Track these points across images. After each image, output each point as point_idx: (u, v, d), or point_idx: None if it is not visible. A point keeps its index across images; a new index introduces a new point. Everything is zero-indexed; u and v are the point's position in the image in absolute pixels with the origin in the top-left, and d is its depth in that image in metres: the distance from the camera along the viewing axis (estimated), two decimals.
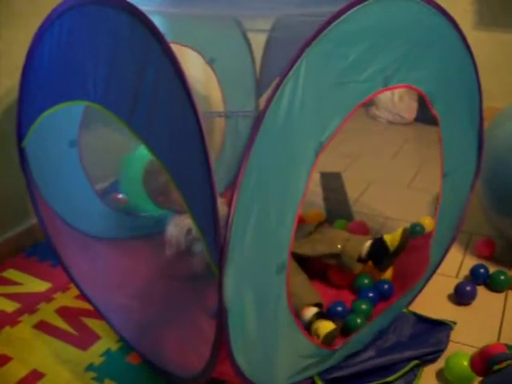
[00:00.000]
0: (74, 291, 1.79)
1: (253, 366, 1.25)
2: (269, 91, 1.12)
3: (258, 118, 1.09)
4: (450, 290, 1.81)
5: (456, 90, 1.54)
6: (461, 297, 1.77)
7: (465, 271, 1.91)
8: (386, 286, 1.71)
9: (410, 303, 1.74)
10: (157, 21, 1.92)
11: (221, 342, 1.17)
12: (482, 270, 1.85)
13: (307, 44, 1.13)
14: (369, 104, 3.52)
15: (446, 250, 1.80)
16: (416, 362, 1.49)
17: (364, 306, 1.63)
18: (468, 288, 1.76)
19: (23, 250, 2.07)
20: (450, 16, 1.43)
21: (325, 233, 1.81)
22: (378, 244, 1.70)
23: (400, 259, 1.74)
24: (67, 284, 1.84)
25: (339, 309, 1.63)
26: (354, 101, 1.26)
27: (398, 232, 1.69)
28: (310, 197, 2.37)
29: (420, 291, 1.76)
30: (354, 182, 2.55)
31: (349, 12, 1.19)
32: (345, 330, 1.57)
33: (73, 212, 1.82)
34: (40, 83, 1.54)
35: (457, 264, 1.97)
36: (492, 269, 1.87)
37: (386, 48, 1.29)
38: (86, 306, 1.73)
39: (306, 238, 1.80)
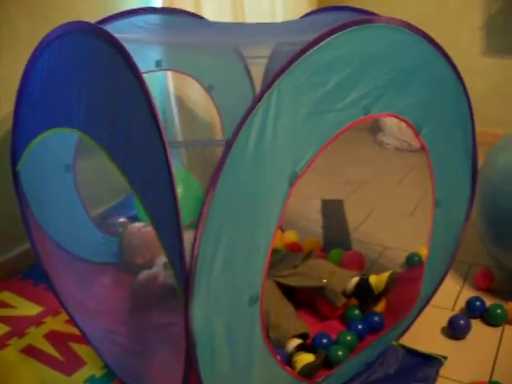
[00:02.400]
0: (65, 316, 1.79)
1: None
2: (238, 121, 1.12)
3: (226, 147, 1.09)
4: (445, 322, 1.76)
5: (445, 117, 1.52)
6: (454, 330, 1.72)
7: (461, 303, 1.86)
8: (375, 319, 1.67)
9: (400, 336, 1.71)
10: (152, 49, 1.98)
11: (190, 374, 1.15)
12: (478, 303, 1.80)
13: (279, 73, 1.13)
14: (376, 130, 3.53)
15: (440, 282, 1.76)
16: None
17: (349, 338, 1.59)
18: (461, 322, 1.71)
19: (19, 272, 2.08)
20: (436, 44, 1.42)
21: (311, 265, 1.78)
22: (363, 285, 1.68)
23: (391, 291, 1.72)
24: (58, 308, 1.83)
25: (324, 340, 1.59)
26: (332, 130, 1.25)
27: (385, 276, 1.67)
28: (308, 224, 2.38)
29: (411, 324, 1.73)
30: (356, 208, 2.52)
31: (327, 40, 1.19)
32: (328, 363, 1.53)
33: (66, 236, 1.83)
34: (33, 108, 1.57)
35: (453, 296, 1.92)
36: (490, 301, 1.82)
37: (366, 76, 1.29)
38: (75, 330, 1.73)
39: (292, 269, 1.78)
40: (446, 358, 1.60)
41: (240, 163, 1.11)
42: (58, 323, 1.83)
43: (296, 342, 1.55)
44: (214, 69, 2.12)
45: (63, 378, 1.60)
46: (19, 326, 1.82)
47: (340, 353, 1.52)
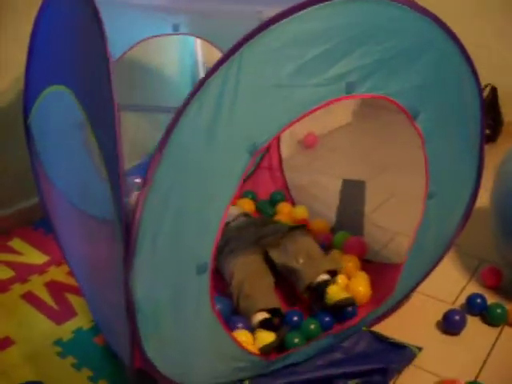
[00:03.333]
0: (67, 267, 1.84)
1: (168, 361, 1.24)
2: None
3: (176, 114, 1.07)
4: (441, 316, 1.69)
5: (448, 105, 1.44)
6: (448, 325, 1.65)
7: (463, 299, 1.78)
8: (349, 309, 1.62)
9: (372, 324, 1.66)
10: (170, 13, 1.96)
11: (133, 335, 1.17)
12: (478, 300, 1.72)
13: (244, 40, 1.10)
14: None
15: (424, 276, 1.72)
16: (356, 381, 1.42)
17: (312, 327, 1.56)
18: (457, 317, 1.65)
19: (33, 222, 2.16)
20: (443, 24, 1.34)
21: (296, 240, 1.75)
22: (320, 290, 1.62)
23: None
24: (62, 259, 1.90)
25: (295, 318, 1.59)
26: (305, 106, 1.22)
27: (343, 295, 1.59)
28: (317, 206, 2.33)
29: (386, 313, 1.69)
30: (377, 192, 2.46)
31: (304, 11, 1.14)
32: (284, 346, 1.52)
33: (74, 190, 1.87)
34: (40, 64, 1.60)
35: (457, 290, 1.84)
36: (493, 300, 1.74)
37: (352, 53, 1.23)
38: (74, 282, 1.78)
39: (279, 238, 1.76)
40: (420, 349, 1.55)
41: (192, 131, 1.10)
42: (59, 273, 1.89)
43: (262, 315, 1.54)
44: (235, 36, 2.08)
45: (53, 326, 1.66)
46: (23, 273, 1.89)
47: (296, 340, 1.51)
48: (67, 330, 1.64)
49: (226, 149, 1.16)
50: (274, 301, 1.60)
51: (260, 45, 1.12)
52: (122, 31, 1.94)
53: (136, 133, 2.25)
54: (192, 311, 1.24)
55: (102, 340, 1.59)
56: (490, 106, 3.00)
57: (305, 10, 1.13)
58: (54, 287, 1.82)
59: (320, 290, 1.61)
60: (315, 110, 1.23)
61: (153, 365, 1.23)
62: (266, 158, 2.35)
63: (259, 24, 1.11)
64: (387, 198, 2.45)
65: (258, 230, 1.84)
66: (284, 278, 1.75)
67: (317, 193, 2.41)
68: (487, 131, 3.04)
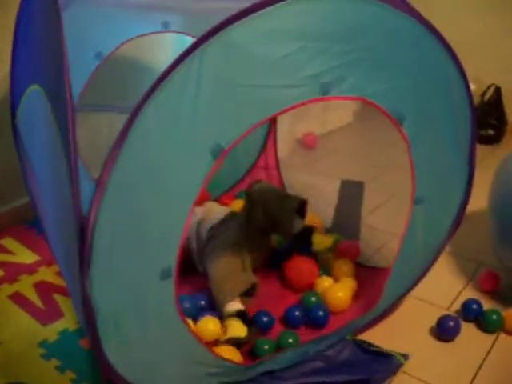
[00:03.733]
0: (57, 267, 1.82)
1: (132, 367, 1.21)
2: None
3: (132, 113, 1.03)
4: (435, 321, 1.65)
5: (435, 107, 1.39)
6: (442, 331, 1.61)
7: (459, 304, 1.74)
8: (320, 313, 1.61)
9: (357, 332, 1.61)
10: (158, 10, 1.93)
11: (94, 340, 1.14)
12: (474, 306, 1.67)
13: (207, 36, 1.05)
14: None
15: (413, 283, 1.68)
16: None
17: (290, 340, 1.51)
18: (451, 323, 1.60)
19: (27, 221, 2.14)
20: (427, 23, 1.29)
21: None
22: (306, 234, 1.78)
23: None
24: (53, 259, 1.88)
25: (264, 319, 1.58)
26: (274, 107, 1.17)
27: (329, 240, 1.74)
28: (315, 207, 2.29)
29: (372, 322, 1.65)
30: (376, 193, 2.41)
31: (274, 6, 1.09)
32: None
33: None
34: (23, 61, 1.59)
35: (453, 295, 1.80)
36: (489, 306, 1.70)
37: (326, 52, 1.18)
38: (63, 283, 1.76)
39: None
40: (407, 356, 1.50)
41: (149, 130, 1.05)
42: (49, 274, 1.87)
43: (236, 305, 1.56)
44: None
45: (39, 327, 1.64)
46: (13, 272, 1.88)
47: (266, 347, 1.48)
48: (53, 331, 1.62)
49: (185, 150, 1.11)
50: (249, 279, 1.64)
51: (224, 40, 1.07)
52: (111, 29, 1.92)
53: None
54: (156, 316, 1.21)
55: (87, 343, 1.57)
56: (494, 106, 2.95)
57: (275, 5, 1.08)
58: (43, 288, 1.80)
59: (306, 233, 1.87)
60: (286, 111, 1.19)
61: (115, 371, 1.19)
62: (262, 157, 2.32)
63: (224, 18, 1.06)
64: (387, 199, 2.40)
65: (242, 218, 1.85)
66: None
67: (315, 193, 2.37)
68: (491, 132, 2.99)
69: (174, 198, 1.13)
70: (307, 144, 2.81)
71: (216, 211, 1.94)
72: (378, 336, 1.60)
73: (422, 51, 1.32)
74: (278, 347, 1.51)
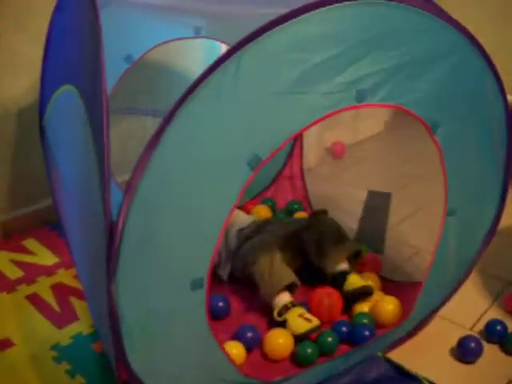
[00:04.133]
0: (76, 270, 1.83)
1: (154, 375, 1.17)
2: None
3: (165, 119, 1.00)
4: (456, 342, 1.59)
5: (469, 116, 1.36)
6: (462, 352, 1.55)
7: (483, 324, 1.67)
8: (366, 333, 1.52)
9: (387, 349, 1.56)
10: (191, 15, 1.92)
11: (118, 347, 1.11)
12: (498, 327, 1.60)
13: (243, 42, 1.03)
14: None
15: (445, 299, 1.62)
16: None
17: (330, 339, 1.48)
18: (472, 344, 1.54)
19: (49, 222, 2.15)
20: (464, 29, 1.25)
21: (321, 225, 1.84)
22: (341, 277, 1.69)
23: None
24: (72, 262, 1.88)
25: (248, 334, 1.51)
26: (313, 114, 1.14)
27: (360, 283, 1.64)
28: (340, 218, 2.24)
29: (403, 339, 1.59)
30: (404, 204, 2.35)
31: (312, 12, 1.07)
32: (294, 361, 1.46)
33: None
34: (55, 64, 1.60)
35: (477, 314, 1.73)
36: None
37: (363, 58, 1.15)
38: (80, 286, 1.76)
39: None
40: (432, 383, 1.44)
41: (182, 139, 1.03)
42: (67, 276, 1.87)
43: (286, 298, 1.57)
44: None
45: (53, 330, 1.64)
46: (32, 274, 1.88)
47: (309, 350, 1.44)
48: (66, 334, 1.61)
49: (221, 160, 1.08)
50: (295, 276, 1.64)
51: (261, 47, 1.05)
52: (141, 32, 1.92)
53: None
54: (185, 326, 1.18)
55: (99, 347, 1.56)
56: None
57: (313, 12, 1.06)
58: (60, 290, 1.80)
59: (340, 280, 1.66)
60: (322, 119, 1.16)
61: (139, 379, 1.16)
62: (287, 166, 2.28)
63: (262, 24, 1.04)
64: (414, 211, 2.34)
65: (282, 224, 1.86)
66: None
67: (341, 204, 2.32)
68: None
69: (207, 209, 1.11)
70: (336, 153, 2.77)
71: (241, 218, 1.93)
72: (400, 355, 1.55)
73: (460, 60, 1.28)
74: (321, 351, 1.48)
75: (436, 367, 1.51)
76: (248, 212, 2.10)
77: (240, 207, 2.10)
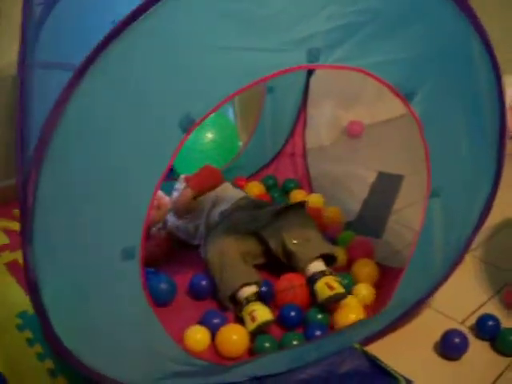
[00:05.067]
0: None
1: (89, 351, 1.11)
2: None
3: (78, 70, 0.90)
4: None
5: (452, 84, 1.21)
6: (445, 347, 1.41)
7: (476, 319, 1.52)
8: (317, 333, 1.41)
9: (366, 340, 1.44)
10: None
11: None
12: (490, 323, 1.45)
13: None
14: None
15: (431, 289, 1.48)
16: None
17: (295, 342, 1.37)
18: (456, 339, 1.40)
19: None
20: None
21: (291, 221, 1.60)
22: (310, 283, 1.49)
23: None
24: None
25: (292, 313, 1.45)
26: (255, 72, 1.03)
27: (327, 293, 1.43)
28: (341, 193, 2.11)
29: (383, 330, 1.46)
30: (413, 189, 2.20)
31: None
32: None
33: None
34: None
35: (472, 308, 1.58)
36: (510, 325, 1.47)
37: (316, 14, 1.03)
38: None
39: (272, 217, 1.62)
40: (411, 382, 1.32)
41: (97, 98, 0.94)
42: None
43: (250, 289, 1.46)
44: None
45: (25, 297, 1.57)
46: (17, 241, 1.83)
47: (267, 344, 1.35)
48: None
49: (148, 121, 0.99)
50: (258, 275, 1.53)
51: None
52: None
53: None
54: (118, 299, 1.10)
55: None
56: None
57: None
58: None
59: (310, 281, 1.49)
60: (267, 79, 1.05)
61: (70, 352, 1.09)
62: (289, 143, 2.17)
63: None
64: (423, 197, 2.18)
65: (253, 213, 1.70)
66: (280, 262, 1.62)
67: (347, 184, 2.20)
68: None
69: (133, 172, 1.02)
70: (352, 132, 2.63)
71: (230, 193, 1.83)
72: (381, 346, 1.44)
73: (438, 20, 1.14)
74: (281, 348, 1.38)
75: (416, 363, 1.39)
76: (241, 189, 2.02)
77: (232, 183, 2.02)
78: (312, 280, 1.48)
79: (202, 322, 1.44)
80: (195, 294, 1.58)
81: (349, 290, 1.53)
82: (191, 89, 1.00)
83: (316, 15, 1.03)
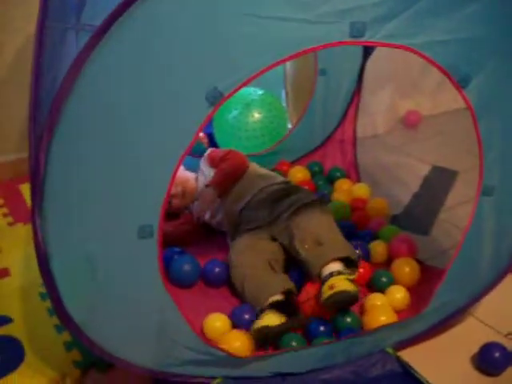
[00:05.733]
0: None
1: (97, 327, 1.06)
2: None
3: (97, 32, 0.84)
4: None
5: None
6: (484, 361, 1.29)
7: None
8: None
9: (400, 345, 1.33)
10: None
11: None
12: None
13: None
14: None
15: (479, 293, 1.35)
16: None
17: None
18: (497, 354, 1.28)
19: None
20: None
21: (307, 219, 1.44)
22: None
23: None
24: None
25: (321, 328, 1.32)
26: (291, 46, 0.94)
27: (330, 292, 1.27)
28: (390, 185, 1.99)
29: (419, 336, 1.35)
30: (467, 187, 2.05)
31: None
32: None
33: None
34: None
35: None
36: None
37: None
38: None
39: (288, 219, 1.48)
40: None
41: (121, 58, 0.87)
42: None
43: (275, 297, 1.33)
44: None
45: None
46: None
47: (294, 343, 1.26)
48: None
49: (172, 91, 0.92)
50: (289, 282, 1.39)
51: None
52: None
53: None
54: (131, 279, 1.05)
55: None
56: None
57: None
58: None
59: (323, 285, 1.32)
60: (300, 54, 0.96)
61: (78, 327, 1.04)
62: (339, 129, 2.06)
63: None
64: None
65: (270, 212, 1.54)
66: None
67: (398, 175, 2.08)
68: None
69: (154, 146, 0.96)
70: (409, 122, 2.49)
71: (251, 183, 1.64)
72: (415, 353, 1.34)
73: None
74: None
75: (451, 374, 1.29)
76: (285, 173, 1.93)
77: (274, 168, 1.94)
78: (322, 284, 1.33)
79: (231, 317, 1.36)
80: (207, 280, 1.50)
81: (387, 289, 1.43)
82: (221, 59, 0.93)
83: None
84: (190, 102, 0.94)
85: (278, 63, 0.96)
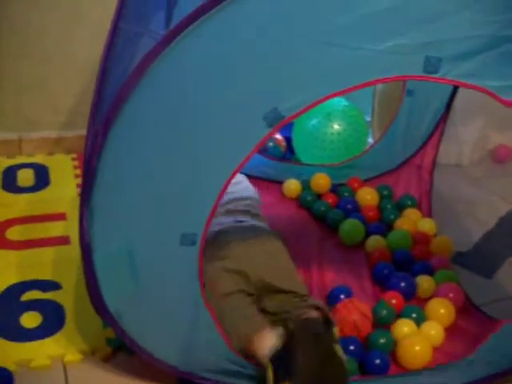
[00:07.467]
0: None
1: (131, 322, 1.09)
2: None
3: (162, 41, 0.86)
4: None
5: None
6: None
7: None
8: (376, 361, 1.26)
9: None
10: None
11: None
12: None
13: None
14: None
15: None
16: None
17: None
18: None
19: None
20: None
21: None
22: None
23: None
24: None
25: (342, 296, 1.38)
26: (356, 75, 0.92)
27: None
28: (460, 219, 1.90)
29: None
30: None
31: None
32: None
33: None
34: None
35: None
36: None
37: (444, 15, 0.89)
38: None
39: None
40: None
41: (183, 69, 0.89)
42: None
43: (267, 342, 1.13)
44: None
45: None
46: None
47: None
48: None
49: (230, 107, 0.93)
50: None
51: None
52: None
53: None
54: (168, 284, 1.07)
55: None
56: None
57: None
58: None
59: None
60: (367, 85, 0.93)
61: (112, 317, 1.08)
62: (419, 154, 1.98)
63: None
64: None
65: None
66: None
67: (474, 211, 2.00)
68: None
69: (207, 160, 0.97)
70: (498, 156, 2.37)
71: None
72: None
73: None
74: None
75: None
76: (354, 191, 1.91)
77: (342, 183, 1.91)
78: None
79: None
80: None
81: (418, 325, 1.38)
82: (285, 80, 0.92)
83: (446, 17, 0.89)
84: (247, 120, 0.94)
85: (338, 93, 0.95)
